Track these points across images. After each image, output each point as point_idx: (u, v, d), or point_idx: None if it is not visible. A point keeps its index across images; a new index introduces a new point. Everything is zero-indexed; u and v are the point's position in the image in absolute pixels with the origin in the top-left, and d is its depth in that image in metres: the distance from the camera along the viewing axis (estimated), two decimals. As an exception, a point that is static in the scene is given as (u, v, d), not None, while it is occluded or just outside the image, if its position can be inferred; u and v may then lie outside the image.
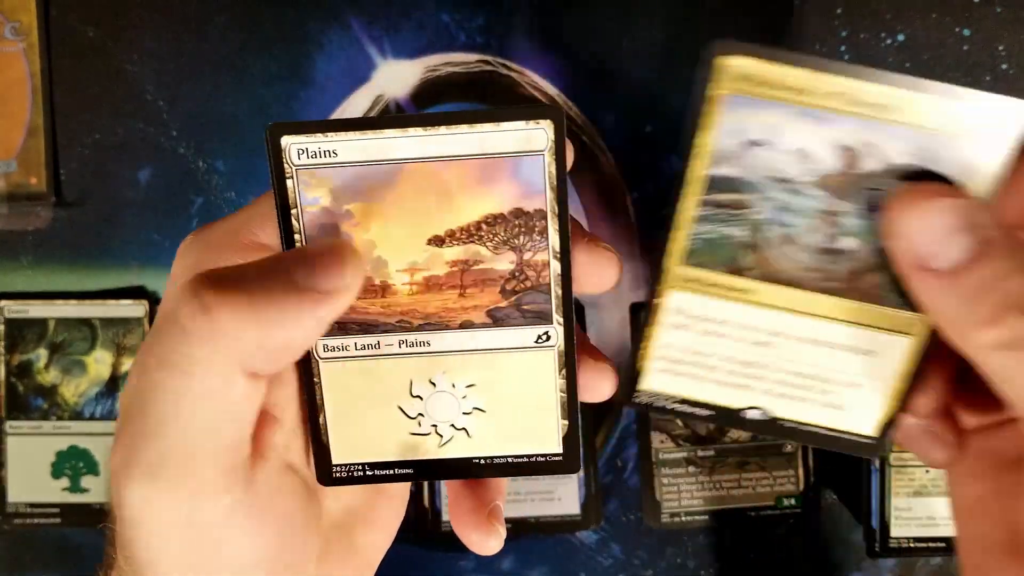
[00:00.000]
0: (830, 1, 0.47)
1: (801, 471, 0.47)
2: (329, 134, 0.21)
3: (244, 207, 0.23)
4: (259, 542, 0.22)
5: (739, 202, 0.23)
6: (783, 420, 0.23)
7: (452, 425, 0.25)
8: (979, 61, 0.47)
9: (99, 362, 0.47)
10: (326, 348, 0.24)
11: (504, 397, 0.25)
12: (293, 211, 0.21)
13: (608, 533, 0.48)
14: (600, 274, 0.23)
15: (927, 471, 0.46)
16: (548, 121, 0.21)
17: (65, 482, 0.47)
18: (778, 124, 0.22)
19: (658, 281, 0.24)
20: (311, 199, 0.21)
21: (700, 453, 0.47)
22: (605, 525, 0.48)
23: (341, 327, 0.23)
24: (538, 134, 0.21)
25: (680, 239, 0.23)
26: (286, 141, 0.21)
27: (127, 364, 0.47)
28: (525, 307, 0.24)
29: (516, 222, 0.22)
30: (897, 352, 0.22)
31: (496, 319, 0.24)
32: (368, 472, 0.24)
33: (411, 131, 0.21)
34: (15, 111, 0.47)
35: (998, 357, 0.19)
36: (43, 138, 0.47)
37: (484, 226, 0.22)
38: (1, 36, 0.47)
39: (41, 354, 0.47)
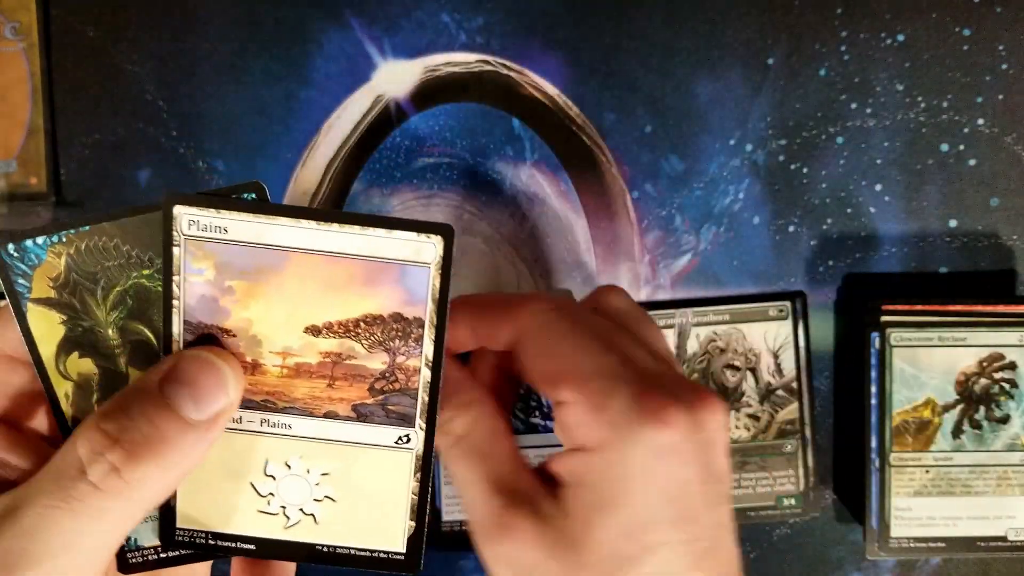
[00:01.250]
0: (830, 1, 0.47)
1: (801, 471, 0.47)
2: (222, 211, 0.21)
3: None
4: None
5: None
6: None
7: (301, 509, 0.26)
8: (979, 61, 0.47)
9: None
10: None
11: (357, 490, 0.26)
12: (175, 278, 0.22)
13: (608, 533, 0.48)
14: None
15: (927, 471, 0.46)
16: (439, 237, 0.21)
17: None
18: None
19: None
20: (196, 269, 0.22)
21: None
22: (605, 525, 0.48)
23: None
24: (427, 247, 0.21)
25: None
26: (179, 210, 0.21)
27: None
28: (391, 407, 0.25)
29: (394, 326, 0.23)
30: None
31: (360, 414, 0.25)
32: (210, 541, 0.25)
33: (303, 222, 0.21)
34: (15, 111, 0.47)
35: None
36: (43, 138, 0.47)
37: (363, 324, 0.23)
38: (1, 36, 0.47)
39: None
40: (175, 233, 0.21)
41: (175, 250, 0.21)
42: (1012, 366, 0.45)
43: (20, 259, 0.21)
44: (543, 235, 0.48)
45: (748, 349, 0.47)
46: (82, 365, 0.23)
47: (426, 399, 0.23)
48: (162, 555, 0.25)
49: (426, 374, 0.23)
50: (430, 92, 0.47)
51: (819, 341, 0.47)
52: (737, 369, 0.47)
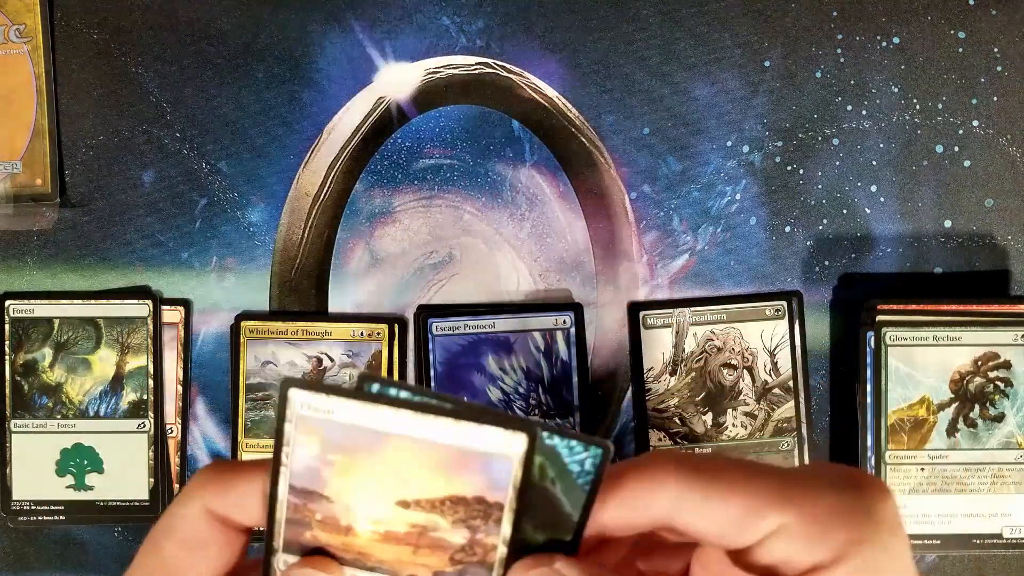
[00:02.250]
0: (826, 4, 0.47)
1: (798, 469, 0.47)
2: (331, 396, 0.24)
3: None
4: None
5: (266, 395, 0.47)
6: None
7: None
8: (974, 63, 0.47)
9: (103, 361, 0.48)
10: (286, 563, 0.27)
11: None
12: (285, 448, 0.24)
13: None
14: None
15: (922, 469, 0.46)
16: (523, 435, 0.24)
17: (69, 479, 0.48)
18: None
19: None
20: (303, 442, 0.24)
21: (697, 451, 0.47)
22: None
23: (304, 551, 0.27)
24: (515, 441, 0.24)
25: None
26: (293, 393, 0.24)
27: (131, 362, 0.48)
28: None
29: (477, 507, 0.25)
30: None
31: None
32: None
33: (402, 411, 0.23)
34: (20, 113, 0.48)
35: None
36: (48, 139, 0.48)
37: (448, 503, 0.26)
38: (6, 39, 0.47)
39: (46, 353, 0.48)
40: (288, 411, 0.23)
41: (287, 425, 0.24)
42: (1007, 365, 0.46)
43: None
44: (543, 235, 0.48)
45: (745, 348, 0.47)
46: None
47: (500, 573, 0.26)
48: None
49: (502, 551, 0.25)
50: (431, 94, 0.48)
51: (815, 340, 0.48)
52: (734, 368, 0.47)
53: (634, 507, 0.23)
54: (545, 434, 0.23)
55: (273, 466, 0.24)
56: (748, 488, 0.23)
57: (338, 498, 0.25)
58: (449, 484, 0.25)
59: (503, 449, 0.24)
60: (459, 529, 0.26)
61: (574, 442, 0.23)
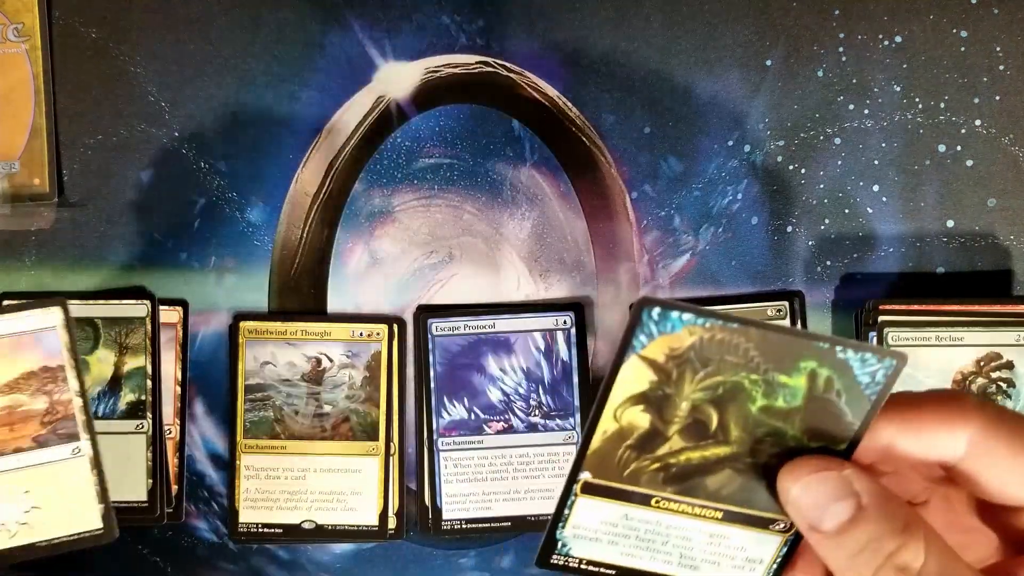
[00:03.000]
0: (827, 3, 0.47)
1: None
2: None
3: None
4: None
5: (265, 396, 0.47)
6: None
7: (16, 522, 0.38)
8: (976, 62, 0.47)
9: (102, 361, 0.47)
10: None
11: (52, 495, 0.38)
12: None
13: (607, 531, 0.48)
14: None
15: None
16: (58, 308, 0.33)
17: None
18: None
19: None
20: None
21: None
22: (604, 523, 0.48)
23: None
24: (53, 316, 0.33)
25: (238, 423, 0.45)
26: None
27: (129, 363, 0.47)
28: (59, 432, 0.36)
29: (44, 375, 0.34)
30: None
31: (40, 442, 0.36)
32: None
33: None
34: (18, 112, 0.47)
35: None
36: (46, 139, 0.47)
37: (21, 381, 0.33)
38: (4, 38, 0.47)
39: (44, 353, 0.48)
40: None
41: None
42: (1009, 365, 0.46)
43: (655, 323, 0.22)
44: (543, 235, 0.48)
45: (746, 349, 0.47)
46: (636, 417, 0.24)
47: (83, 418, 0.35)
48: None
49: (77, 402, 0.34)
50: (431, 93, 0.48)
51: (817, 341, 0.48)
52: (735, 368, 0.47)
53: (929, 440, 0.23)
54: (838, 348, 0.22)
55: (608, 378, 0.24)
56: None
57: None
58: (16, 366, 0.33)
59: (44, 323, 0.32)
60: (38, 398, 0.33)
61: (868, 354, 0.23)
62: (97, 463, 0.39)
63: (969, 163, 0.47)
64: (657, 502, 0.25)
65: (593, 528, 0.26)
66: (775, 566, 0.26)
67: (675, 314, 0.22)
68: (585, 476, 0.25)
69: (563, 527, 0.26)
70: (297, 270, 0.48)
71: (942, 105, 0.47)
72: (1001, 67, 0.47)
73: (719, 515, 0.25)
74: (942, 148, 0.47)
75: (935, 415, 0.23)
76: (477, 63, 0.48)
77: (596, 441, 0.24)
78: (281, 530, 0.47)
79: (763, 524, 0.25)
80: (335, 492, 0.47)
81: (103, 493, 0.39)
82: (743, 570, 0.26)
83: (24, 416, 0.35)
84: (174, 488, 0.48)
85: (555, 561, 0.26)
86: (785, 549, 0.25)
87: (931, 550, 0.22)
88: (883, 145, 0.47)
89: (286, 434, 0.47)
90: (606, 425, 0.24)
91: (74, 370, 0.33)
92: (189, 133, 0.48)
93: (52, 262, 0.48)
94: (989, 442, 0.23)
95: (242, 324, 0.47)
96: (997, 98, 0.47)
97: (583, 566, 0.26)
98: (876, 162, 0.47)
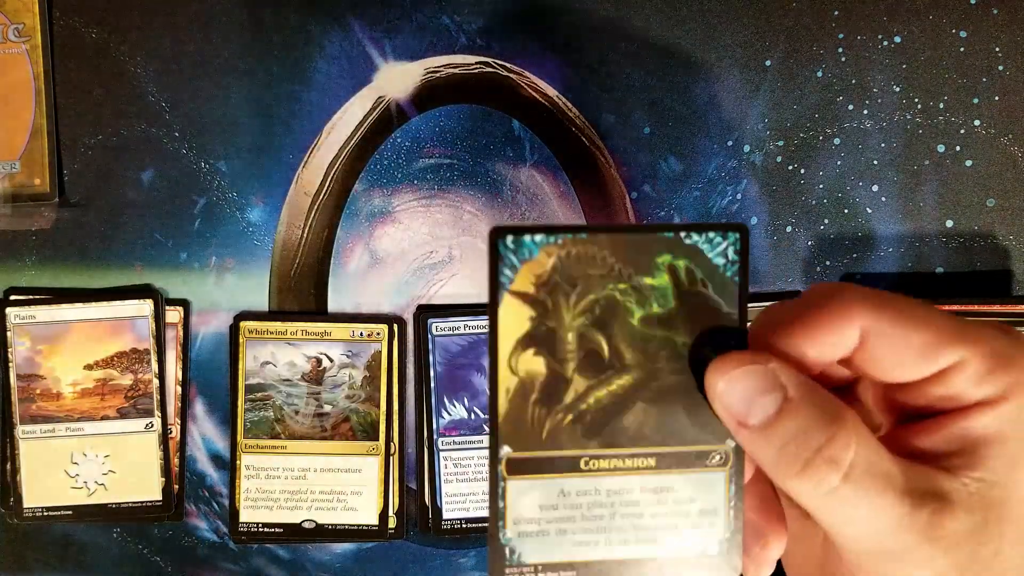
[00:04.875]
0: (827, 3, 0.47)
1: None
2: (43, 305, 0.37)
3: None
4: None
5: (265, 396, 0.47)
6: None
7: (96, 482, 0.46)
8: (976, 63, 0.47)
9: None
10: (23, 433, 0.45)
11: (127, 463, 0.46)
12: (8, 349, 0.39)
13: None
14: None
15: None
16: (151, 300, 0.41)
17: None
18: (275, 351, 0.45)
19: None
20: (19, 343, 0.41)
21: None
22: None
23: (33, 419, 0.45)
24: (147, 306, 0.41)
25: (239, 423, 0.47)
26: (10, 311, 0.36)
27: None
28: (139, 407, 0.44)
29: (133, 356, 0.43)
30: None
31: (122, 414, 0.44)
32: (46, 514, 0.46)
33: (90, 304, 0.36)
34: (19, 112, 0.47)
35: (812, 501, 0.22)
36: (46, 139, 0.48)
37: (115, 358, 0.42)
38: (5, 38, 0.47)
39: (45, 353, 0.48)
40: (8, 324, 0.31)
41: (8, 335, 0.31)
42: (1008, 365, 0.46)
43: (514, 251, 0.23)
44: (543, 235, 0.48)
45: (746, 348, 0.47)
46: (533, 363, 0.23)
47: (159, 398, 0.43)
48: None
49: (155, 383, 0.44)
50: (431, 94, 0.48)
51: (817, 341, 0.48)
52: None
53: (826, 341, 0.23)
54: (683, 234, 0.22)
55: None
56: (930, 323, 0.23)
57: (49, 375, 0.35)
58: (112, 346, 0.41)
59: (137, 312, 0.42)
60: (126, 375, 0.42)
61: (712, 232, 0.23)
62: (164, 440, 0.46)
63: (968, 163, 0.47)
64: (586, 463, 0.24)
65: (535, 519, 0.24)
66: (731, 514, 0.25)
67: (527, 237, 0.22)
68: (506, 452, 0.24)
69: (504, 528, 0.24)
70: (297, 270, 0.48)
71: (941, 105, 0.47)
72: (1000, 67, 0.47)
73: (652, 461, 0.24)
74: (941, 148, 0.47)
75: (824, 317, 0.23)
76: (477, 63, 0.48)
77: (502, 403, 0.23)
78: (281, 530, 0.47)
79: (699, 461, 0.24)
80: (335, 492, 0.47)
81: (166, 467, 0.46)
82: (701, 528, 0.25)
83: (113, 389, 0.42)
84: (175, 488, 0.48)
85: (509, 574, 0.25)
86: (733, 488, 0.25)
87: (860, 441, 0.22)
88: (882, 145, 0.47)
89: (286, 434, 0.47)
90: (506, 381, 0.23)
91: (156, 355, 0.40)
92: (189, 133, 0.48)
93: (53, 262, 0.48)
94: (881, 327, 0.23)
95: (242, 324, 0.47)
96: (996, 98, 0.47)
97: (540, 573, 0.25)
98: (875, 162, 0.48)
